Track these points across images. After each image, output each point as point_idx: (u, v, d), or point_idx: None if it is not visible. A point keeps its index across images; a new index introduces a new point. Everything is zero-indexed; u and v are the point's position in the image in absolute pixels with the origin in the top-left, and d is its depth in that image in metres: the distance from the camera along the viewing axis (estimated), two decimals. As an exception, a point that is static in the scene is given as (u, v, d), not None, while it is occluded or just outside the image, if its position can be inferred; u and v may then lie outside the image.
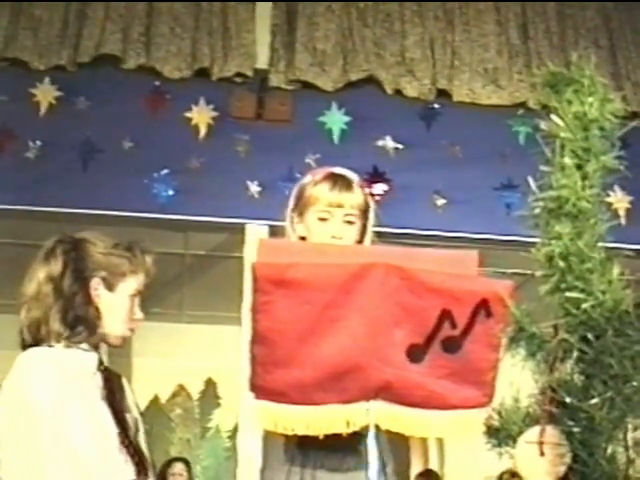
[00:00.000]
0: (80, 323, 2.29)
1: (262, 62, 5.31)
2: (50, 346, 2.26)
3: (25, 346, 2.28)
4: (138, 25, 5.22)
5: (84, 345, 2.31)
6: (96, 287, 2.33)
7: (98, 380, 2.31)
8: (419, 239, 4.81)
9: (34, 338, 2.28)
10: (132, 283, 2.38)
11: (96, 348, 2.35)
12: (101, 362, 2.35)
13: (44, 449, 2.12)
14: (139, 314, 2.41)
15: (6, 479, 2.17)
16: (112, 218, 4.88)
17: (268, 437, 2.32)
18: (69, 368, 2.24)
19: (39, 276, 2.31)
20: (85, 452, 2.13)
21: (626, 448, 1.77)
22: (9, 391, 2.21)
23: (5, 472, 2.18)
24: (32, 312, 2.29)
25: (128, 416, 2.35)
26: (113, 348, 2.43)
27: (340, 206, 2.37)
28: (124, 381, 2.47)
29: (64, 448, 2.12)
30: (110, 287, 2.35)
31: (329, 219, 2.37)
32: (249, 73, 5.24)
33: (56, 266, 2.31)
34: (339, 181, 2.40)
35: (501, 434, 1.89)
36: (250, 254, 4.31)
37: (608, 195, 4.03)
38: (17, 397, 2.18)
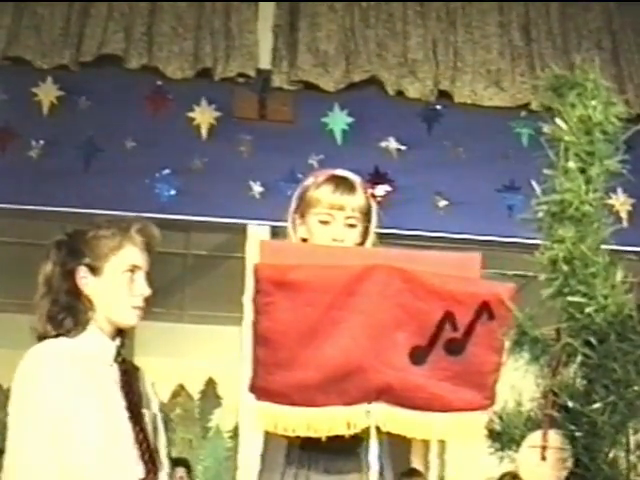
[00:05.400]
0: (65, 315, 2.26)
1: (264, 62, 5.30)
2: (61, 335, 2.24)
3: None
4: (140, 25, 5.21)
5: (93, 329, 2.26)
6: (83, 275, 2.28)
7: (115, 372, 2.27)
8: (421, 240, 4.80)
9: (38, 337, 2.28)
10: (122, 259, 2.28)
11: (113, 337, 2.29)
12: (119, 353, 2.30)
13: (46, 450, 2.12)
14: (142, 289, 2.29)
15: (8, 474, 2.17)
16: (114, 218, 4.87)
17: (267, 438, 2.31)
18: (81, 359, 2.21)
19: (39, 281, 2.32)
20: (88, 454, 2.12)
21: (627, 452, 1.77)
22: (16, 388, 2.20)
23: (7, 467, 2.18)
24: (36, 315, 2.29)
25: (146, 412, 2.31)
26: (130, 330, 2.34)
27: (341, 209, 2.35)
28: (144, 375, 2.41)
29: (67, 448, 2.12)
30: (96, 271, 2.28)
31: (330, 222, 2.35)
32: (251, 73, 5.23)
33: (47, 267, 2.31)
34: (341, 183, 2.38)
35: (503, 438, 1.89)
36: (252, 255, 4.31)
37: (610, 197, 4.03)
38: (23, 394, 2.17)
